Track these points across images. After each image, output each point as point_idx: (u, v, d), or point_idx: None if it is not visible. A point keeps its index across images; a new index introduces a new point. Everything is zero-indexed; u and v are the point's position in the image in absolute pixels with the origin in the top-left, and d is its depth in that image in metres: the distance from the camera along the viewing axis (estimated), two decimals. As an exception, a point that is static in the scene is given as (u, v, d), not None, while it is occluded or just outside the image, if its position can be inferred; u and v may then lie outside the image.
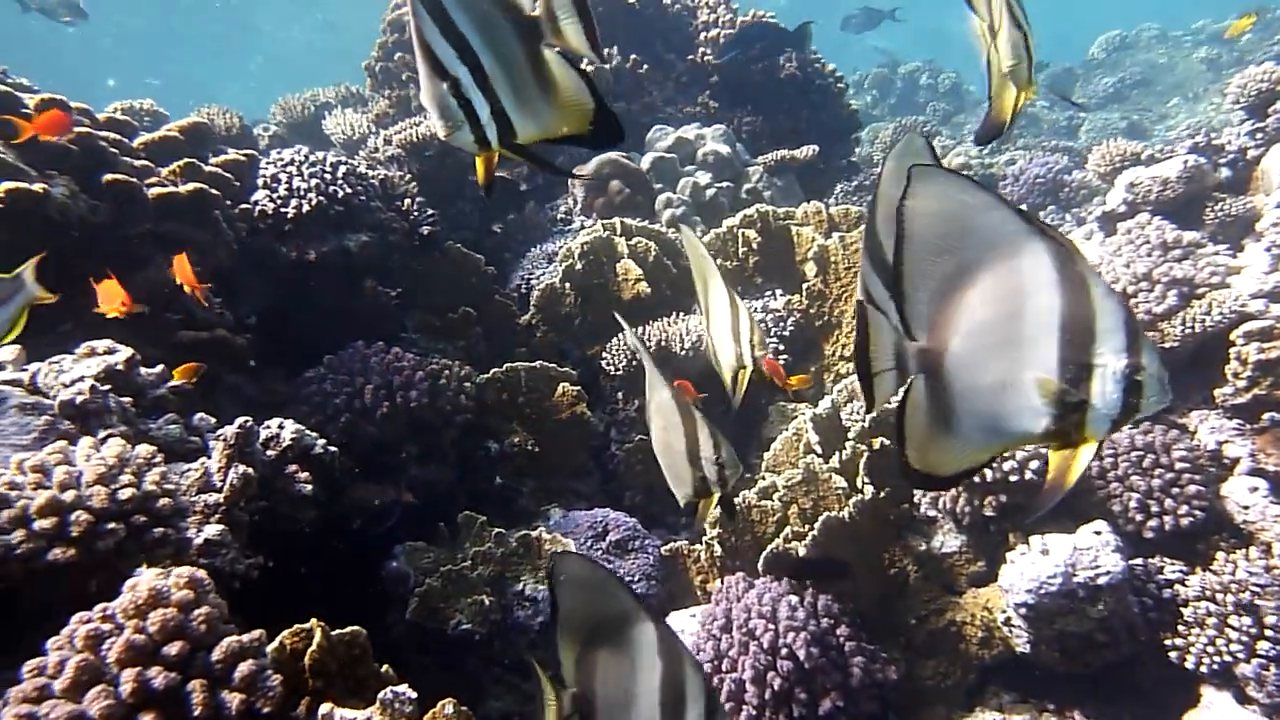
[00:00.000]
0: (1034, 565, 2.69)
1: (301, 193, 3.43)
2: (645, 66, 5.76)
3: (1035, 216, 1.19)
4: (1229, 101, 3.76)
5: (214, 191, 3.00)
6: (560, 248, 4.51)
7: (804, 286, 3.98)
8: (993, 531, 2.97)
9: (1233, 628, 2.46)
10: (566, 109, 1.39)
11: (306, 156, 3.58)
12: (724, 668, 2.72)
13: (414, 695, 1.33)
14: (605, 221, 4.27)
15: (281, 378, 3.29)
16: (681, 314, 3.96)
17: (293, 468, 2.19)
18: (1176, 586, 2.64)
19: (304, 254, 3.43)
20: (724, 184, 5.14)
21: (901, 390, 1.29)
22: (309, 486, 2.20)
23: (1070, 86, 11.45)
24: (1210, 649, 2.49)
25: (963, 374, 1.22)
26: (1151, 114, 10.02)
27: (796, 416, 3.61)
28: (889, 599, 3.06)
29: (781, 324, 3.95)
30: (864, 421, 3.19)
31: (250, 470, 1.90)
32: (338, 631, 1.40)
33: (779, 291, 4.12)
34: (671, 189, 5.07)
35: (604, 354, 3.88)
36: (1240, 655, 2.46)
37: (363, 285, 3.63)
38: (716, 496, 1.78)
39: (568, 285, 4.08)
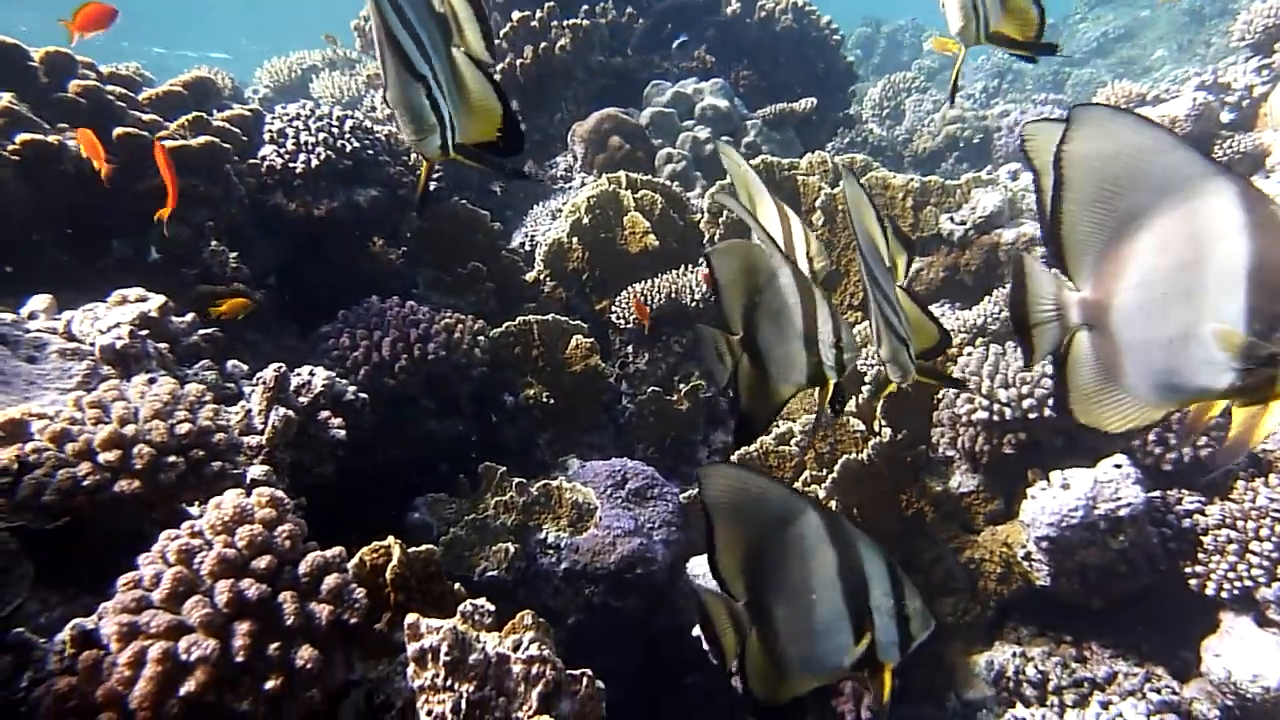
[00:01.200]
0: (1055, 499, 2.73)
1: (309, 147, 3.38)
2: (640, 21, 5.69)
3: (1214, 158, 1.16)
4: (1234, 40, 3.78)
5: (225, 145, 2.95)
6: (563, 204, 4.48)
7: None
8: (1011, 470, 3.01)
9: (1254, 553, 2.52)
10: (478, 114, 1.32)
11: (313, 111, 3.52)
12: (751, 608, 2.75)
13: (492, 608, 1.35)
14: (610, 176, 4.24)
15: (294, 335, 3.27)
16: (690, 266, 3.96)
17: (325, 414, 2.18)
18: (1196, 516, 2.69)
19: (313, 210, 3.39)
20: (723, 138, 5.12)
21: (1060, 342, 1.23)
22: (342, 432, 2.19)
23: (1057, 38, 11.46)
24: (1231, 575, 2.55)
25: (1133, 326, 1.15)
26: (1137, 67, 10.05)
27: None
28: (908, 538, 3.10)
29: (791, 274, 3.95)
30: (880, 365, 3.22)
31: (291, 413, 1.89)
32: (413, 549, 1.41)
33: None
34: (671, 144, 5.04)
35: (614, 308, 3.87)
36: (1262, 580, 2.52)
37: (371, 241, 3.60)
38: (832, 383, 1.66)
39: (575, 240, 4.06)
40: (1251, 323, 1.05)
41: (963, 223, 3.58)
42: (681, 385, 3.78)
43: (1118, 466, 2.73)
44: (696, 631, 2.85)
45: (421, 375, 3.16)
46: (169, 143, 2.71)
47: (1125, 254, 1.13)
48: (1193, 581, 2.64)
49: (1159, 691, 2.59)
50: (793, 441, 3.24)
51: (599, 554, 2.96)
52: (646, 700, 3.04)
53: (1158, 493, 2.79)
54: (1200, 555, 2.64)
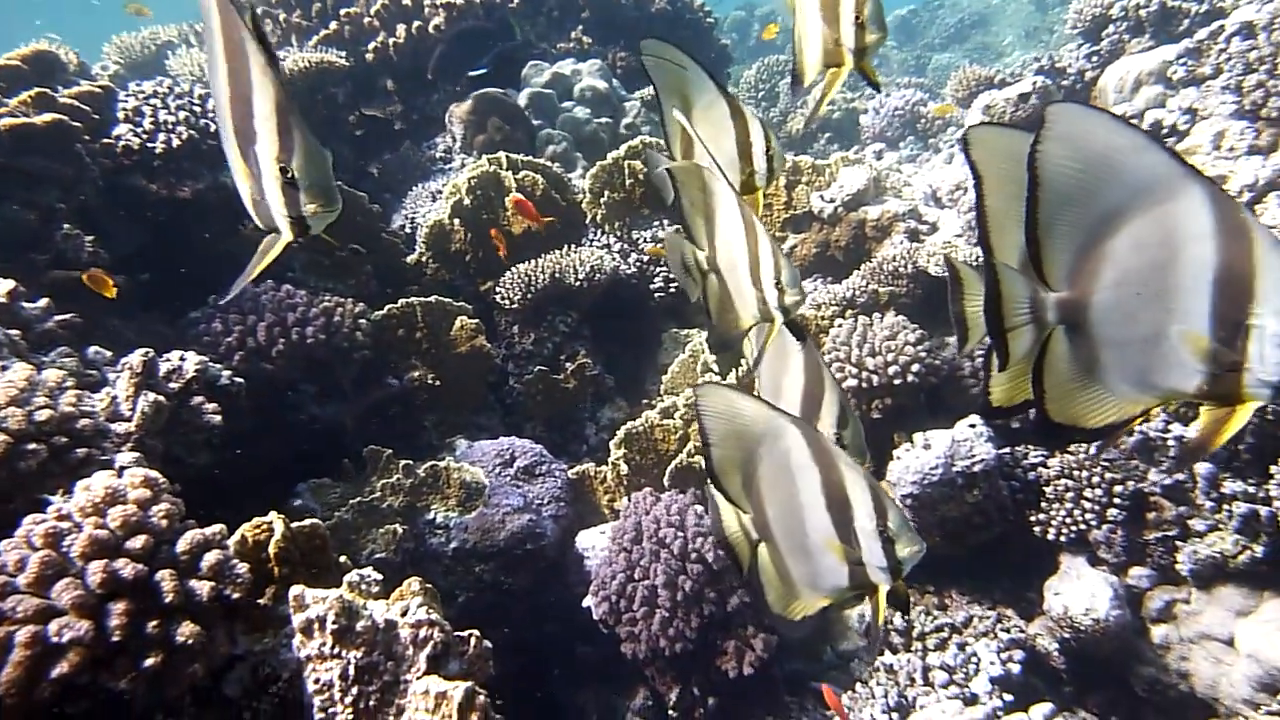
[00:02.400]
0: (918, 459, 2.92)
1: (170, 126, 3.24)
2: (515, 1, 5.66)
3: (1189, 161, 1.13)
4: (1067, 28, 4.08)
5: (75, 124, 2.80)
6: (444, 185, 4.43)
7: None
8: (880, 433, 3.19)
9: (1087, 499, 2.77)
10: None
11: (171, 89, 3.37)
12: (636, 576, 2.84)
13: (379, 576, 1.36)
14: (490, 156, 4.22)
15: (161, 321, 3.14)
16: (573, 245, 4.00)
17: (199, 399, 2.12)
18: (1040, 469, 2.94)
19: (176, 191, 3.25)
20: (603, 119, 5.16)
21: (1036, 343, 1.22)
22: (218, 418, 2.14)
23: (917, 31, 12.00)
24: (1068, 520, 2.80)
25: (1109, 325, 1.16)
26: (990, 52, 10.65)
27: (690, 340, 3.74)
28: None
29: (671, 253, 4.05)
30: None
31: (161, 398, 1.84)
32: (297, 524, 1.41)
33: (666, 222, 4.21)
34: (550, 125, 5.05)
35: (498, 289, 3.88)
36: (1093, 523, 2.77)
37: (242, 225, 3.48)
38: (777, 324, 1.63)
39: (456, 221, 4.03)
40: (1216, 329, 1.06)
41: (832, 200, 3.75)
42: (568, 364, 3.83)
43: (972, 426, 2.94)
44: (587, 603, 2.92)
45: (301, 360, 3.10)
46: (8, 120, 2.55)
47: (1102, 253, 1.14)
48: (1037, 528, 2.89)
49: (1008, 631, 2.83)
50: (676, 415, 3.34)
51: (489, 532, 2.98)
52: (537, 672, 3.09)
53: (1007, 449, 3.03)
54: (1043, 504, 2.88)
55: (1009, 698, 2.63)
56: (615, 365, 4.02)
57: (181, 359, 2.15)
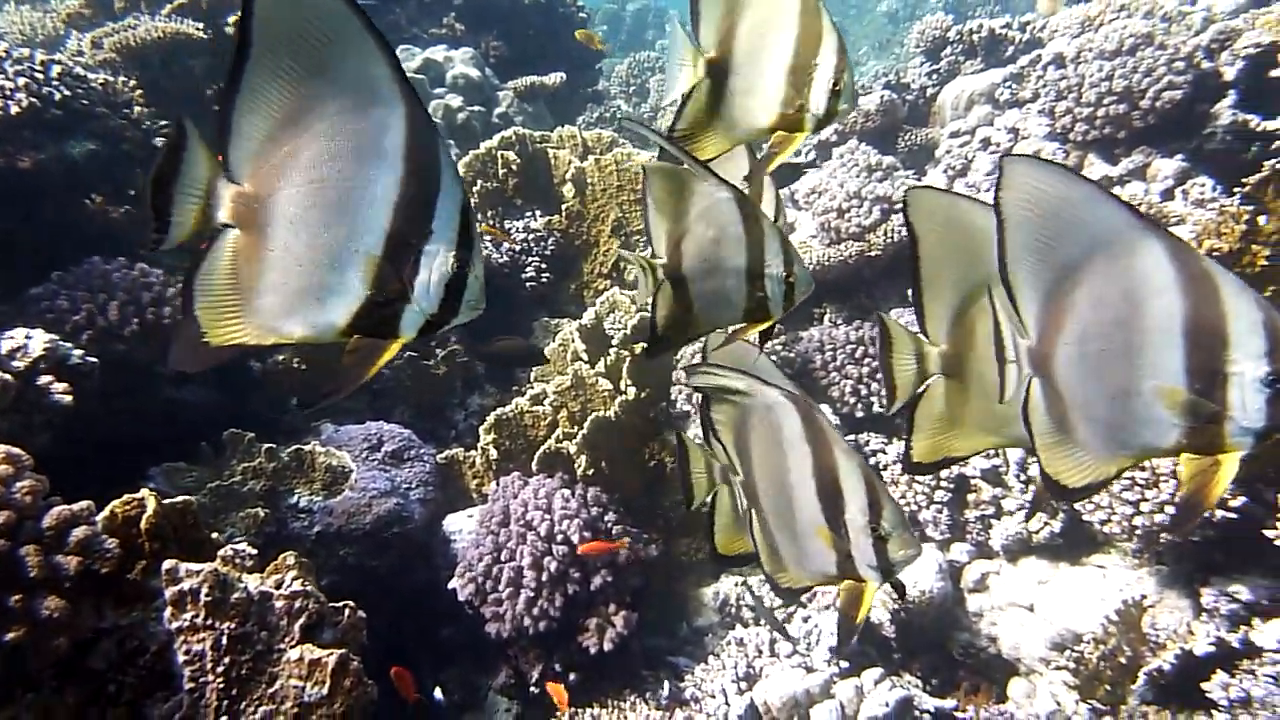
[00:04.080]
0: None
1: (8, 93, 3.05)
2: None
3: (1143, 212, 1.11)
4: (911, 46, 4.42)
5: (-100, 81, 2.60)
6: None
7: (563, 207, 4.17)
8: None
9: (919, 481, 3.06)
10: None
11: (9, 53, 3.17)
12: (504, 558, 2.92)
13: (254, 551, 1.39)
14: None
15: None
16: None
17: (47, 378, 2.05)
18: (878, 455, 3.20)
19: (15, 162, 3.07)
20: (475, 108, 5.17)
21: (1021, 387, 1.20)
22: (68, 398, 2.07)
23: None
24: (901, 501, 3.08)
25: (1076, 381, 1.13)
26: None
27: (560, 330, 3.83)
28: (651, 487, 3.41)
29: (542, 244, 4.12)
30: (625, 329, 3.48)
31: (8, 377, 1.78)
32: (169, 500, 1.41)
33: (538, 212, 4.28)
34: (423, 111, 5.02)
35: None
36: (923, 504, 3.06)
37: (90, 199, 3.31)
38: (775, 319, 1.52)
39: (323, 203, 3.97)
40: (1192, 381, 1.04)
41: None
42: (439, 350, 3.84)
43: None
44: (453, 585, 2.97)
45: (157, 341, 2.99)
46: None
47: (1064, 306, 1.12)
48: (876, 508, 3.15)
49: (850, 602, 3.08)
50: (545, 402, 3.43)
51: (354, 515, 2.98)
52: (403, 654, 3.12)
53: (851, 436, 3.28)
54: (881, 486, 3.15)
55: (844, 665, 2.87)
56: (485, 353, 4.06)
57: (28, 336, 2.07)
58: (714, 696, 2.80)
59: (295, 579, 1.32)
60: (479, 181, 4.18)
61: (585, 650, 2.86)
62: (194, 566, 1.25)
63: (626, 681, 2.96)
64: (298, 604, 1.29)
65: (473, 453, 3.40)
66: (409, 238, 0.96)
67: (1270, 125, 2.89)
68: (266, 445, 2.98)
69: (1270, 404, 1.02)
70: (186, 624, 1.23)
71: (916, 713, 2.67)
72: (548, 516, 2.93)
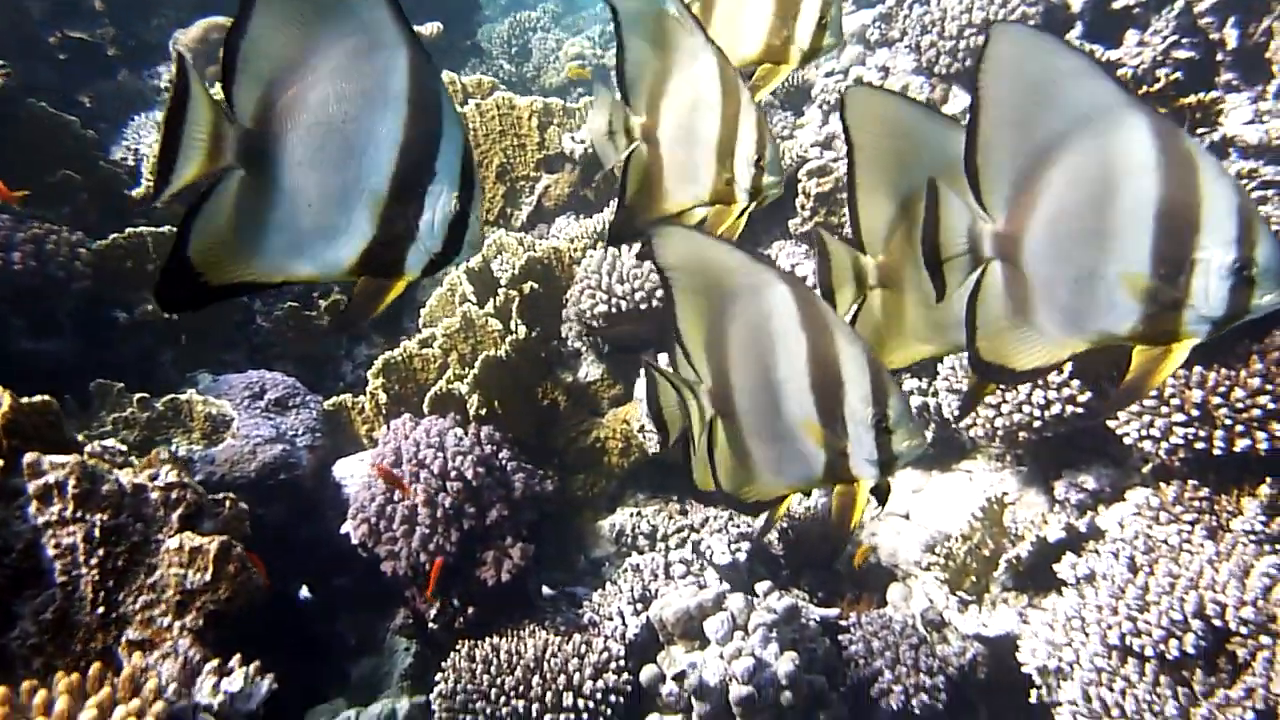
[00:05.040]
0: (659, 376, 3.19)
1: None
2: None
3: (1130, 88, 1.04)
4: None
5: None
6: (173, 114, 4.12)
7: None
8: (629, 356, 3.44)
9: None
10: None
11: None
12: (397, 497, 2.89)
13: (123, 447, 1.34)
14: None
15: None
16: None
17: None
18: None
19: None
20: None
21: (974, 276, 1.15)
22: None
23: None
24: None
25: (1043, 263, 1.10)
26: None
27: (448, 273, 3.79)
28: (545, 426, 3.43)
29: (426, 191, 4.06)
30: (513, 269, 3.48)
31: None
32: (26, 399, 1.34)
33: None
34: (295, 60, 4.83)
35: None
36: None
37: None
38: (737, 209, 1.39)
39: (190, 151, 3.78)
40: (1157, 267, 1.02)
41: (583, 141, 3.93)
42: (321, 300, 3.75)
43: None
44: (345, 529, 2.93)
45: (7, 290, 2.82)
46: None
47: (1039, 186, 1.09)
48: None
49: (738, 527, 3.19)
50: (435, 344, 3.39)
51: (238, 463, 2.90)
52: (293, 604, 3.06)
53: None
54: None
55: (737, 581, 2.98)
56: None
57: None
58: (611, 619, 2.87)
59: (170, 471, 1.29)
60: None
61: (483, 583, 2.87)
62: (59, 459, 1.20)
63: (525, 613, 2.99)
64: (174, 494, 1.26)
65: (362, 398, 3.35)
66: (414, 179, 0.98)
67: (1112, 54, 3.11)
68: (139, 395, 2.86)
69: (1233, 292, 1.00)
70: (54, 518, 1.19)
71: (803, 620, 2.81)
72: (441, 454, 2.92)
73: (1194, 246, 1.00)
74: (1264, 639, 1.94)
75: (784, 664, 2.58)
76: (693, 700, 2.59)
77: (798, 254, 3.43)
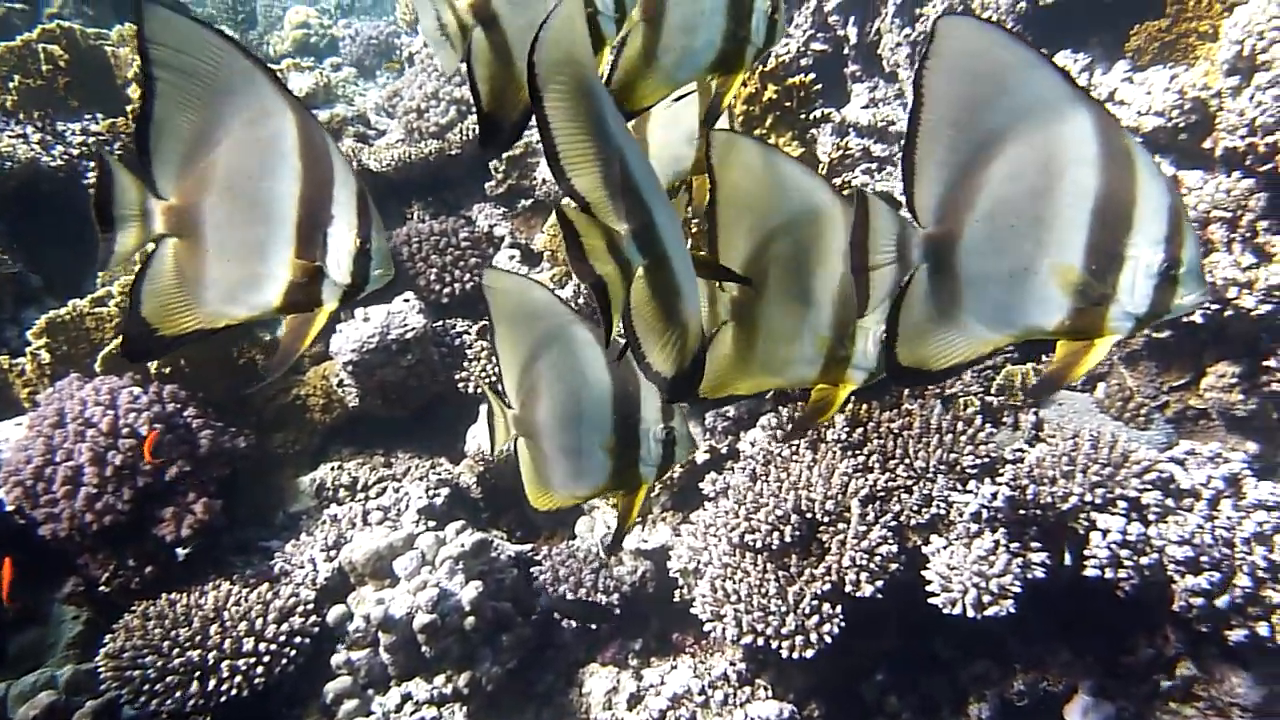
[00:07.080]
0: (357, 329, 3.25)
1: None
2: None
3: (1075, 80, 1.05)
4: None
5: None
6: None
7: (128, 110, 3.87)
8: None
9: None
10: None
11: None
12: (58, 459, 2.74)
13: None
14: None
15: None
16: None
17: None
18: (463, 336, 3.45)
19: None
20: (17, 5, 4.57)
21: (894, 288, 1.14)
22: None
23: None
24: (480, 375, 3.37)
25: (976, 260, 1.10)
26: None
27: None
28: (241, 386, 3.36)
29: (109, 148, 3.81)
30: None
31: None
32: None
33: (100, 115, 3.94)
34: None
35: None
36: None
37: None
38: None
39: None
40: (1089, 261, 1.03)
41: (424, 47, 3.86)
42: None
43: (406, 300, 3.35)
44: None
45: None
46: None
47: (979, 181, 1.08)
48: (461, 385, 3.42)
49: (437, 473, 3.31)
50: (111, 302, 3.22)
51: None
52: None
53: (439, 321, 3.49)
54: (464, 365, 3.41)
55: (432, 524, 3.10)
56: (43, 265, 3.71)
57: None
58: (303, 567, 2.90)
59: None
60: (17, 78, 3.74)
61: (163, 540, 2.80)
62: None
63: (216, 569, 2.94)
64: None
65: (21, 360, 3.11)
66: (315, 224, 1.11)
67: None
68: None
69: (1158, 290, 1.02)
70: None
71: (493, 554, 2.98)
72: (111, 412, 2.80)
73: (1126, 243, 1.02)
74: (840, 525, 2.36)
75: (468, 592, 2.74)
76: (379, 634, 2.69)
77: (495, 215, 3.60)
